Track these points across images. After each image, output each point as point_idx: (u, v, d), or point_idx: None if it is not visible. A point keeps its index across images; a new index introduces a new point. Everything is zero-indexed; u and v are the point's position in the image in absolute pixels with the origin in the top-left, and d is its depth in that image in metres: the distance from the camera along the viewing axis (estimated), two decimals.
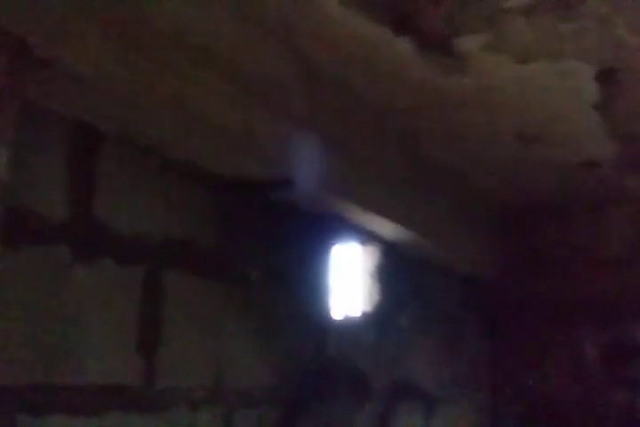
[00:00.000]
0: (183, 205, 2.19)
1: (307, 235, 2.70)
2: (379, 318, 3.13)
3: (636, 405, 3.85)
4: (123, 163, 1.96)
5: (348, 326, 2.92)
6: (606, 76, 2.52)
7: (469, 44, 2.31)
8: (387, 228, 2.92)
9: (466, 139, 3.11)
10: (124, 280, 1.91)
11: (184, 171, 2.19)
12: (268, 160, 2.27)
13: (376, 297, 3.16)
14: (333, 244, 2.90)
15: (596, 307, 4.00)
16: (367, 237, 3.07)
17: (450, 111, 2.84)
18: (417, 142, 3.10)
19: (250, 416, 2.26)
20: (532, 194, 3.85)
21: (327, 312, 2.76)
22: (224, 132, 2.09)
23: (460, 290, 3.99)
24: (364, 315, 3.06)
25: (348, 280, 3.09)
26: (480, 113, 2.87)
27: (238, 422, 2.21)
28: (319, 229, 2.77)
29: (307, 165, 2.37)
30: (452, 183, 3.52)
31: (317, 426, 2.58)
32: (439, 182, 3.35)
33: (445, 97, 2.72)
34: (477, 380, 4.11)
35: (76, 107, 1.76)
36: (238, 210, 2.41)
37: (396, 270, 3.31)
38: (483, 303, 4.23)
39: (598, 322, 4.01)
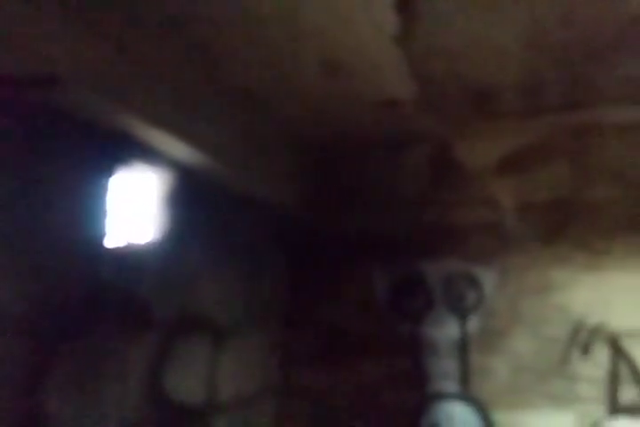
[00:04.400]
0: None
1: (81, 148, 2.41)
2: (168, 246, 2.96)
3: (418, 335, 4.10)
4: None
5: (130, 253, 2.71)
6: (405, 5, 2.48)
7: None
8: (175, 147, 2.72)
9: (269, 62, 2.96)
10: None
11: None
12: (28, 56, 1.95)
13: (166, 224, 2.98)
14: (116, 162, 2.64)
15: (389, 242, 4.15)
16: (158, 157, 2.84)
17: (251, 27, 2.66)
18: (217, 60, 2.89)
19: None
20: (336, 128, 3.83)
21: (102, 237, 2.53)
22: None
23: (262, 221, 3.93)
24: (151, 241, 2.88)
25: (134, 204, 2.86)
26: (284, 34, 2.73)
27: None
28: (99, 143, 2.50)
29: (75, 63, 2.08)
30: (255, 109, 3.36)
31: (82, 359, 2.38)
32: (240, 106, 3.19)
33: (246, 10, 2.54)
34: (273, 313, 4.13)
35: None
36: None
37: (190, 197, 3.14)
38: (284, 235, 4.23)
39: (389, 257, 4.17)
